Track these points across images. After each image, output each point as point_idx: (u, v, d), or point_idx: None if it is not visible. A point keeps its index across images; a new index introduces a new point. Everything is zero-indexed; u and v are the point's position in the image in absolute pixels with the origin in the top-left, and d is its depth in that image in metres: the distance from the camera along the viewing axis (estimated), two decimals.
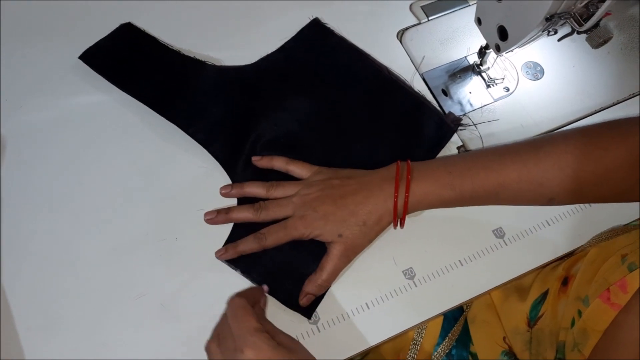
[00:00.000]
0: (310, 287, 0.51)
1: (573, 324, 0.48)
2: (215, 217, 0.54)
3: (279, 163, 0.56)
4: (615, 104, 0.65)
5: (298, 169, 0.56)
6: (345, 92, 0.63)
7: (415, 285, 0.55)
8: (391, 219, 0.51)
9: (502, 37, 0.55)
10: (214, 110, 0.61)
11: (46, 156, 0.59)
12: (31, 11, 0.67)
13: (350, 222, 0.50)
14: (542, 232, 0.58)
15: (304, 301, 0.51)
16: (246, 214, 0.54)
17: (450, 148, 0.62)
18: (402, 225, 0.53)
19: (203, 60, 0.63)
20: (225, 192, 0.56)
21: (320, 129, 0.61)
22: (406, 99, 0.63)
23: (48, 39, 0.66)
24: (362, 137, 0.61)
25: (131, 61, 0.63)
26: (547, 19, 0.49)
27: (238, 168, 0.58)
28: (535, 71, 0.66)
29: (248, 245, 0.52)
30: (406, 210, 0.51)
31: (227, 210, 0.54)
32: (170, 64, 0.63)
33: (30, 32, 0.66)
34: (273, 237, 0.52)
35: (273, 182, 0.55)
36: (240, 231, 0.55)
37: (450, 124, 0.61)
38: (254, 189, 0.55)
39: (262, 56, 0.65)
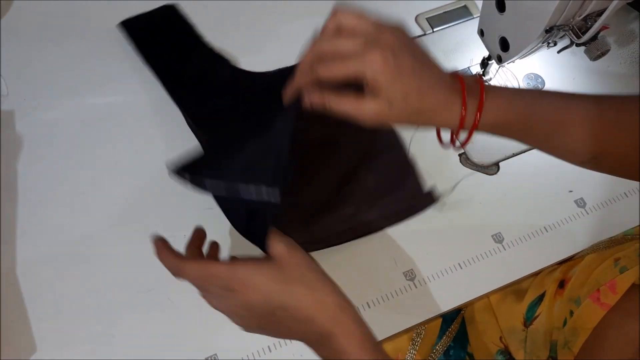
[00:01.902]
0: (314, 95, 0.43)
1: (565, 323, 0.49)
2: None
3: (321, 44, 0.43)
4: None
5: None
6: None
7: (416, 287, 0.56)
8: (449, 123, 0.44)
9: (503, 48, 0.57)
10: (217, 101, 0.64)
11: (61, 154, 0.62)
12: (48, 13, 0.70)
13: (413, 95, 0.41)
14: (540, 238, 0.59)
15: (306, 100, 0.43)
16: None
17: (451, 154, 0.64)
18: (465, 143, 0.47)
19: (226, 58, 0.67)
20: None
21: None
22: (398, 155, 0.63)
23: (64, 41, 0.68)
24: (343, 173, 0.61)
25: (163, 40, 0.67)
26: (546, 31, 0.50)
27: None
28: (536, 82, 0.68)
29: (301, 74, 0.44)
30: (476, 124, 0.44)
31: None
32: (197, 53, 0.67)
33: (48, 34, 0.69)
34: (335, 67, 0.41)
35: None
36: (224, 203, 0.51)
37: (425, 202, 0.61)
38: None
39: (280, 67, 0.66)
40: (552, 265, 0.58)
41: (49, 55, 0.67)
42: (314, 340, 0.41)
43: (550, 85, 0.68)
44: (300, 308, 0.40)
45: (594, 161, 0.47)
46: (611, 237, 0.58)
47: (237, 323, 0.42)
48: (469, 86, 0.44)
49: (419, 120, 0.44)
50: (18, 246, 0.56)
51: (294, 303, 0.40)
